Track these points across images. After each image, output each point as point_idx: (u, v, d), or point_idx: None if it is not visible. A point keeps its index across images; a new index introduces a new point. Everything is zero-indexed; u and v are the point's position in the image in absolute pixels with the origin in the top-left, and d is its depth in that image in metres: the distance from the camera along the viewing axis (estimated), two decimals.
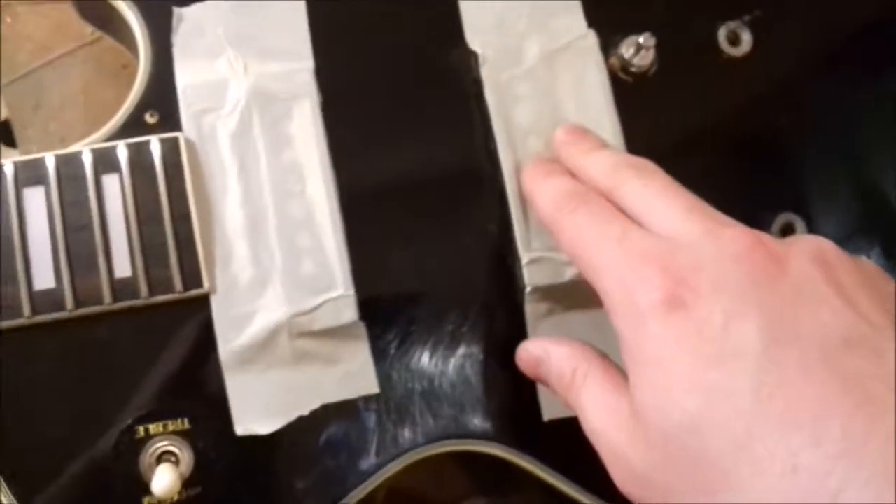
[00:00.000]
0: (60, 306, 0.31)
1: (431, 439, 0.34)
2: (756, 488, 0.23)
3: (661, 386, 0.25)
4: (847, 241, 0.38)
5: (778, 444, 0.22)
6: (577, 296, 0.35)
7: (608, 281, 0.27)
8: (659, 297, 0.25)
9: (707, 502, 0.24)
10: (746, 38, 0.38)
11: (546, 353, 0.31)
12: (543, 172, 0.33)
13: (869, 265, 0.27)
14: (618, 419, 0.27)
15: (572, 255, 0.30)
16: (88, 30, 0.41)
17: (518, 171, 0.35)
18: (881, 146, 0.39)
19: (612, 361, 0.29)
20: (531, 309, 0.35)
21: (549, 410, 0.35)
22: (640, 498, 0.27)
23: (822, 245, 0.27)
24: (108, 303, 0.32)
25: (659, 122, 0.37)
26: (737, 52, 0.38)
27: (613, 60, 0.37)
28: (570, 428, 0.34)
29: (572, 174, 0.33)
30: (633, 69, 0.37)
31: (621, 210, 0.30)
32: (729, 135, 0.38)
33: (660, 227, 0.28)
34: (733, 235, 0.26)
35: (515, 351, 0.33)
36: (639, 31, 0.36)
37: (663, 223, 0.28)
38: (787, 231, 0.37)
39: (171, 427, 0.32)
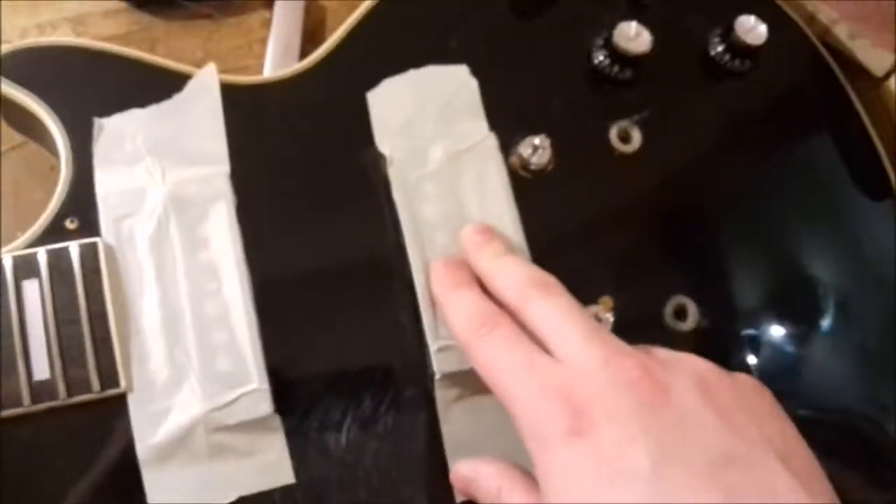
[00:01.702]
0: None
1: None
2: None
3: None
4: (736, 319, 0.40)
5: None
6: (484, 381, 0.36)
7: (519, 409, 0.30)
8: (561, 428, 0.28)
9: None
10: (636, 136, 0.41)
11: (475, 473, 0.33)
12: (453, 283, 0.36)
13: (745, 382, 0.31)
14: None
15: (485, 378, 0.32)
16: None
17: (426, 265, 0.37)
18: (768, 226, 0.42)
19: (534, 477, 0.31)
20: (441, 395, 0.37)
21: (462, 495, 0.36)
22: None
23: (701, 370, 0.30)
24: (27, 404, 0.33)
25: (558, 215, 0.40)
26: (628, 148, 0.41)
27: (514, 159, 0.40)
28: None
29: (479, 280, 0.35)
30: (532, 167, 0.39)
31: (527, 327, 0.32)
32: (623, 225, 0.40)
33: (562, 353, 0.31)
34: (626, 365, 0.29)
35: (450, 470, 0.36)
36: (536, 133, 0.39)
37: (565, 349, 0.31)
38: (679, 312, 0.39)
39: None
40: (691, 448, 0.27)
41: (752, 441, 0.28)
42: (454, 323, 0.35)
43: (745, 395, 0.30)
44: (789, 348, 0.40)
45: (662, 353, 0.31)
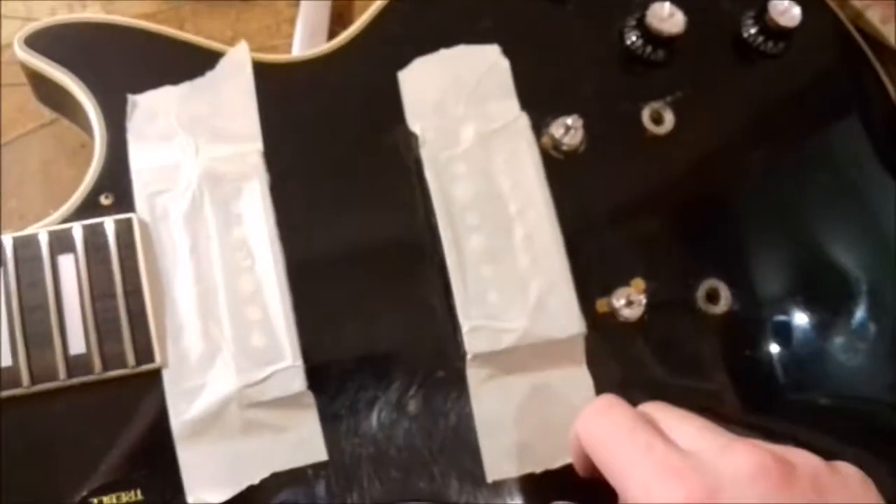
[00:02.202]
0: (17, 383, 0.32)
1: (379, 503, 0.35)
2: None
3: None
4: (767, 303, 0.40)
5: None
6: (515, 361, 0.37)
7: (633, 486, 0.29)
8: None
9: None
10: (669, 118, 0.41)
11: None
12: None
13: (853, 477, 0.30)
14: None
15: (596, 454, 0.31)
16: (47, 111, 0.43)
17: (458, 246, 0.37)
18: (799, 211, 0.42)
19: None
20: (472, 374, 0.37)
21: (493, 472, 0.36)
22: None
23: (816, 466, 0.29)
24: (62, 379, 0.33)
25: (590, 196, 0.40)
26: (660, 130, 0.41)
27: (545, 140, 0.40)
28: (514, 488, 0.36)
29: None
30: (563, 148, 0.39)
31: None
32: (654, 207, 0.40)
33: (681, 441, 0.30)
34: (750, 453, 0.29)
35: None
36: (568, 113, 0.39)
37: (684, 439, 0.30)
38: (712, 296, 0.39)
39: (123, 499, 0.33)
40: None
41: None
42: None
43: (854, 492, 0.29)
44: (819, 335, 0.40)
45: (777, 447, 0.30)
